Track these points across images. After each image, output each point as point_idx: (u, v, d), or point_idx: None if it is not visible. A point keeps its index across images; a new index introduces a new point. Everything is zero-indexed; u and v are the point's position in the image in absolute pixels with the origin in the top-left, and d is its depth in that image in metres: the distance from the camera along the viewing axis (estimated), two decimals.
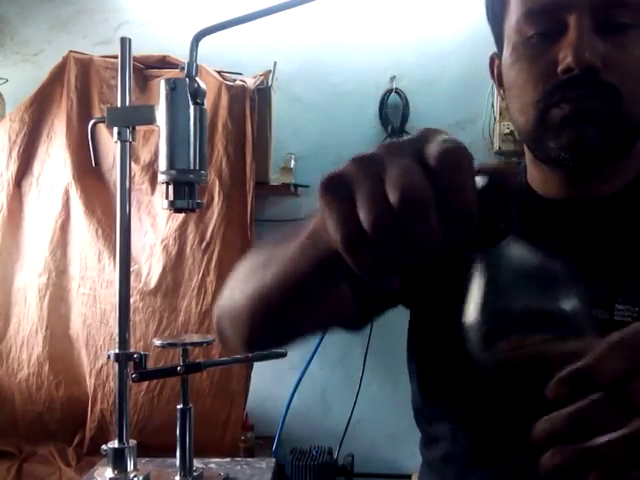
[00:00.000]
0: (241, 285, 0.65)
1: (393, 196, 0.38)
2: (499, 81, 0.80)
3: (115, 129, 1.17)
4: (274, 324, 0.63)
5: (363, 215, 0.39)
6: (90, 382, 2.18)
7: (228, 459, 1.44)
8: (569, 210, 0.76)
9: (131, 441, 1.19)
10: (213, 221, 2.17)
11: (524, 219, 0.78)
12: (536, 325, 0.43)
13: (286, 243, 0.54)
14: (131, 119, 1.18)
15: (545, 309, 0.43)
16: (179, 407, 1.24)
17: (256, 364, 2.13)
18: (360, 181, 0.40)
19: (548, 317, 0.43)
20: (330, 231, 0.41)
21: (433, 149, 0.40)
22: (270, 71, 2.34)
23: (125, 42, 1.20)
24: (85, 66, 2.24)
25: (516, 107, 0.75)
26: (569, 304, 0.43)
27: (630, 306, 0.70)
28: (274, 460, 1.48)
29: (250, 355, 1.48)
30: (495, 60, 0.81)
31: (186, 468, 1.23)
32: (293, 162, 2.50)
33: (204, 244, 2.17)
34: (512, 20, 0.73)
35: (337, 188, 0.41)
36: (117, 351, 1.17)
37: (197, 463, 1.27)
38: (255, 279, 0.60)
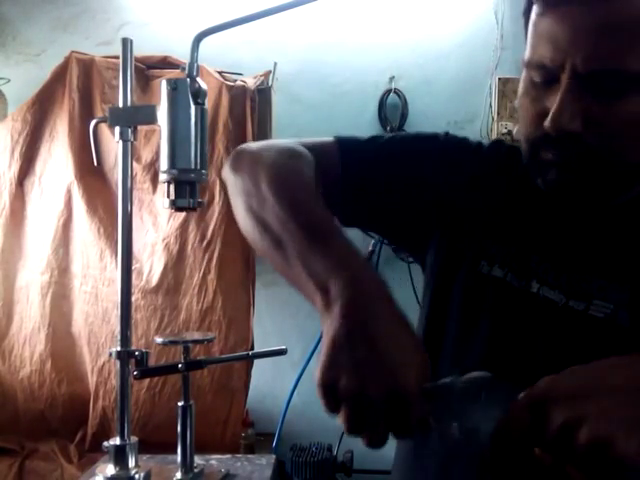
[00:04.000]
0: (264, 214, 0.79)
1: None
2: None
3: (117, 129, 1.17)
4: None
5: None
6: (92, 379, 2.19)
7: (229, 455, 1.44)
8: (557, 204, 0.78)
9: (132, 438, 1.18)
10: (214, 220, 2.18)
11: (518, 201, 0.81)
12: None
13: (301, 249, 0.70)
14: (133, 119, 1.18)
15: None
16: (180, 404, 1.24)
17: (256, 361, 2.14)
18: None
19: None
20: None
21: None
22: (270, 71, 2.35)
23: (126, 42, 1.20)
24: (87, 66, 2.24)
25: (519, 130, 0.77)
26: None
27: (606, 302, 0.72)
28: (274, 456, 1.48)
29: (250, 353, 1.50)
30: None
31: (187, 464, 1.24)
32: None
33: (205, 243, 2.18)
34: (525, 56, 0.74)
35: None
36: (119, 349, 1.17)
37: (198, 459, 1.28)
38: (268, 235, 0.77)
